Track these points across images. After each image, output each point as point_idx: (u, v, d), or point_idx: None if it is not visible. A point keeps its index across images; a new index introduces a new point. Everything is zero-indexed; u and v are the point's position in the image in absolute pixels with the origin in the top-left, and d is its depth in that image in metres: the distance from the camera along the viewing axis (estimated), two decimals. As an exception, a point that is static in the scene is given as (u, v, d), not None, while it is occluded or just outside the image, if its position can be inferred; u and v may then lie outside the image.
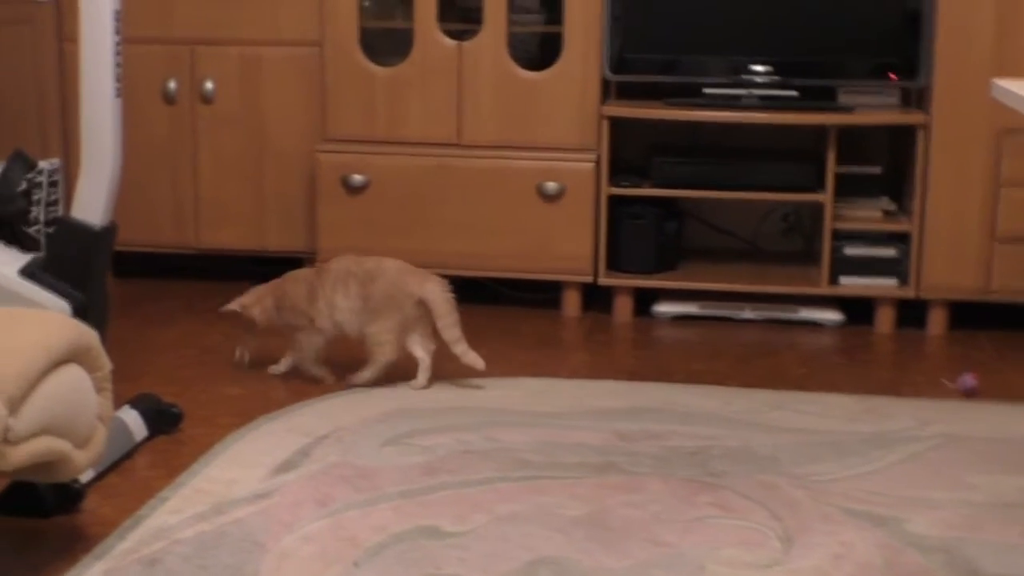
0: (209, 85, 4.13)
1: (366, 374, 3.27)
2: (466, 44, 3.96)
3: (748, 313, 3.95)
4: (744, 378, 3.44)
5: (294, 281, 3.36)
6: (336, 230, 4.01)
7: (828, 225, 3.85)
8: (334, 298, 3.27)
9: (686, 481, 2.72)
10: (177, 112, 4.17)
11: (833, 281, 3.88)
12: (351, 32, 3.98)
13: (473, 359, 3.24)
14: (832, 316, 3.93)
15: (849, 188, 3.90)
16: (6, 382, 2.02)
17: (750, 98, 3.87)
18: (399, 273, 3.27)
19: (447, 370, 3.41)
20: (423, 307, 3.24)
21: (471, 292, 4.18)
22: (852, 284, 3.88)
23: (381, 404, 3.16)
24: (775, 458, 2.84)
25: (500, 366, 3.51)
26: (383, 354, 3.25)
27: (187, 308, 4.03)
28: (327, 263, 3.37)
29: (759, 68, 3.88)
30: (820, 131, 3.90)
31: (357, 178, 3.98)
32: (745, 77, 3.89)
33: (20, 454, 2.06)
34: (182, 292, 4.21)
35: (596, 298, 4.06)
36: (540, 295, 4.09)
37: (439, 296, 3.23)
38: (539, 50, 4.10)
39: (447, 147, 3.98)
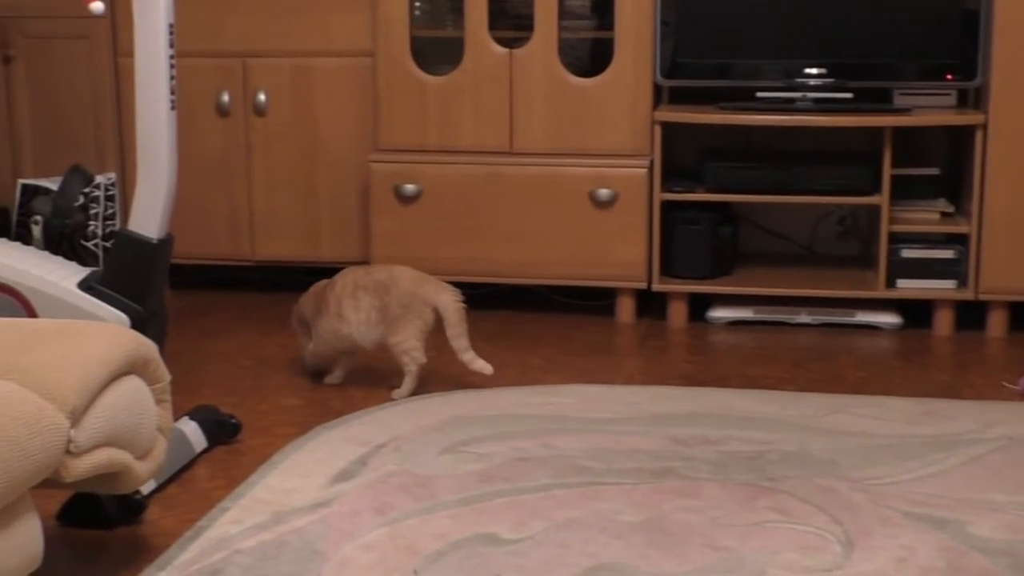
0: (262, 97, 4.17)
1: (404, 387, 3.29)
2: (517, 51, 3.97)
3: (804, 317, 3.94)
4: (801, 382, 3.43)
5: (306, 294, 3.41)
6: (389, 239, 4.03)
7: (885, 228, 3.83)
8: (342, 311, 3.30)
9: (744, 485, 2.71)
10: (231, 124, 4.21)
11: (890, 284, 3.86)
12: (403, 41, 4.01)
13: (481, 365, 3.29)
14: (890, 319, 3.91)
15: (906, 190, 3.88)
16: (68, 395, 2.05)
17: (804, 101, 3.86)
18: (413, 281, 3.29)
19: (505, 377, 3.43)
20: (436, 315, 3.27)
21: (524, 300, 4.19)
22: (910, 287, 3.86)
23: (437, 412, 3.17)
24: (833, 462, 2.83)
25: (555, 373, 3.52)
26: (413, 361, 3.27)
27: (243, 319, 4.07)
28: (336, 276, 3.41)
29: (813, 71, 3.87)
30: (876, 133, 3.88)
31: (410, 187, 4.00)
32: (799, 80, 3.88)
33: (82, 466, 2.09)
34: (238, 303, 4.25)
35: (650, 304, 4.06)
36: (594, 302, 4.10)
37: (452, 306, 3.26)
38: (590, 56, 4.11)
39: (499, 155, 4.00)
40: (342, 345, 3.35)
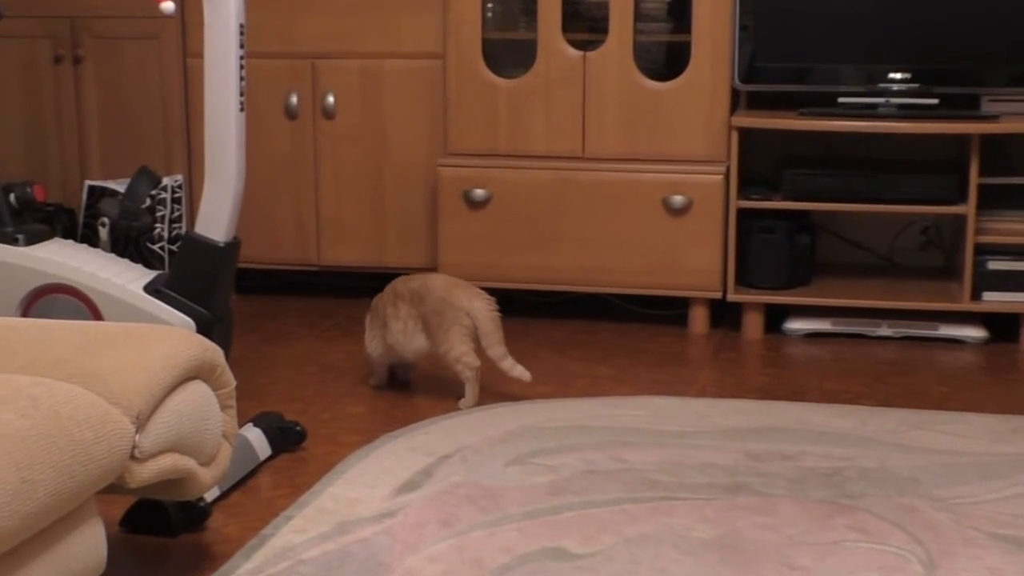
0: (330, 99, 4.20)
1: (468, 396, 3.29)
2: (591, 54, 3.97)
3: (884, 330, 3.90)
4: (881, 397, 3.40)
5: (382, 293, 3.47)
6: (457, 246, 4.04)
7: (971, 238, 3.79)
8: (387, 321, 3.35)
9: (821, 503, 2.69)
10: (299, 127, 4.24)
11: (976, 297, 3.81)
12: (474, 44, 4.02)
13: (520, 372, 3.28)
14: (975, 333, 3.86)
15: (993, 199, 3.83)
16: (133, 398, 2.07)
17: (887, 107, 3.83)
18: (445, 288, 3.30)
19: (574, 388, 3.43)
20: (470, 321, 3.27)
21: (595, 309, 4.19)
22: (996, 300, 3.81)
23: (505, 423, 3.17)
24: (915, 480, 2.80)
25: (626, 384, 3.51)
26: (466, 367, 3.27)
27: (308, 325, 4.10)
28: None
29: (897, 75, 3.84)
30: (962, 140, 3.84)
31: (479, 192, 4.01)
32: (882, 85, 3.84)
33: (147, 471, 2.11)
34: (303, 309, 4.28)
35: (725, 315, 4.03)
36: (667, 312, 4.09)
37: (485, 314, 3.26)
38: (666, 60, 4.10)
39: (571, 160, 4.00)
40: (389, 353, 3.38)
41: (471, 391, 3.29)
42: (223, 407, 2.35)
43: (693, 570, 2.40)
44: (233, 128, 2.84)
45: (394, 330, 3.34)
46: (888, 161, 3.99)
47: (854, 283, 4.01)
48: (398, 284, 3.39)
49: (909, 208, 3.87)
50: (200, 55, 2.91)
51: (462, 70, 4.03)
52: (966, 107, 3.85)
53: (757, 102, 4.00)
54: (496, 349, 3.26)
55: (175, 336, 2.28)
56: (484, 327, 3.26)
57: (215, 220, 2.88)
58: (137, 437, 2.07)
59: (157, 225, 3.85)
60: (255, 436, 2.93)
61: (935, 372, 3.61)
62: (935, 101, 3.81)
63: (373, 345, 3.42)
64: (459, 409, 3.28)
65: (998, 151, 3.88)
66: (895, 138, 3.92)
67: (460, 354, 3.27)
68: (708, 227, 3.90)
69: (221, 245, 2.89)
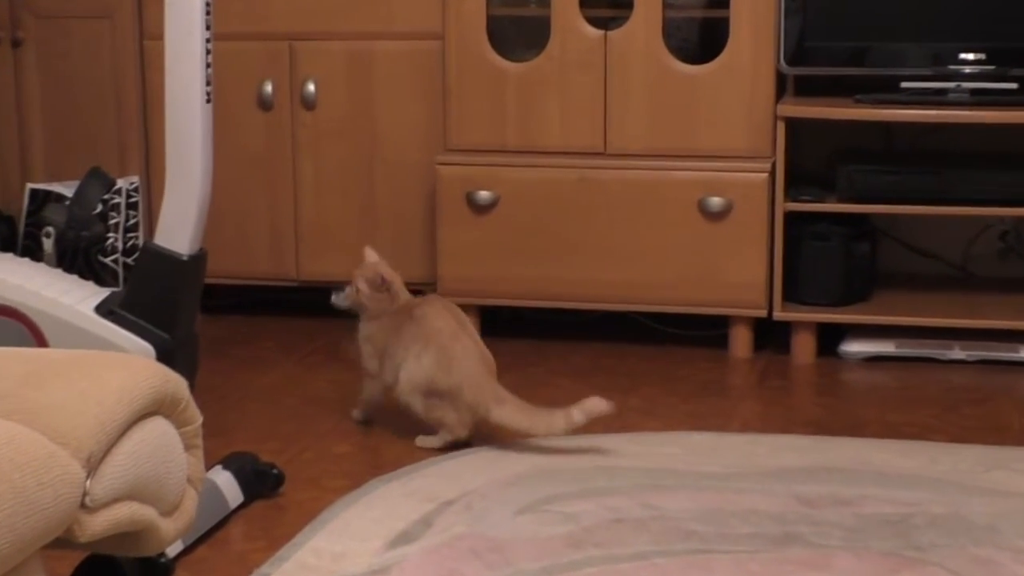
0: (311, 87, 4.21)
1: (432, 437, 3.33)
2: (613, 33, 3.98)
3: (957, 352, 3.90)
4: (953, 431, 3.39)
5: None
6: (459, 256, 4.05)
7: (1056, 245, 3.79)
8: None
9: (884, 555, 2.69)
10: (274, 119, 4.25)
11: (1063, 313, 3.82)
12: (478, 22, 4.03)
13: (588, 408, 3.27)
14: (1062, 356, 3.87)
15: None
16: (84, 438, 2.07)
17: (959, 93, 3.83)
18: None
19: (597, 423, 3.42)
20: None
21: (621, 329, 4.19)
22: (1087, 317, 3.82)
23: (515, 464, 3.17)
24: (993, 528, 2.80)
25: (657, 418, 3.51)
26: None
27: (287, 350, 4.10)
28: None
29: (969, 56, 3.84)
30: (1045, 131, 3.85)
31: (484, 195, 4.02)
32: (952, 68, 3.85)
33: (99, 523, 2.11)
34: (281, 330, 4.28)
35: (771, 335, 4.03)
36: (704, 332, 4.09)
37: None
38: (700, 39, 4.11)
39: (591, 156, 4.00)
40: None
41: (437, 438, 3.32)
42: (187, 447, 2.35)
43: (736, 635, 2.40)
44: (198, 122, 2.85)
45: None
46: (960, 155, 3.99)
47: (921, 298, 4.01)
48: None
49: (985, 210, 3.87)
50: (159, 37, 2.91)
51: (464, 52, 4.04)
52: (1051, 92, 3.85)
53: (807, 88, 4.01)
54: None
55: (132, 365, 2.28)
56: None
57: (178, 229, 2.89)
58: (88, 483, 2.07)
59: (110, 235, 3.86)
60: (225, 480, 2.93)
61: (1016, 401, 3.61)
62: (1014, 86, 3.81)
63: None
64: (466, 446, 3.27)
65: (1089, 143, 3.89)
66: (968, 129, 3.91)
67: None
68: (751, 233, 3.90)
69: (185, 258, 2.89)
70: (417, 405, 3.29)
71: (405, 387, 3.30)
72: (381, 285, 3.35)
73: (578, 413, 3.18)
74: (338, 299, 3.41)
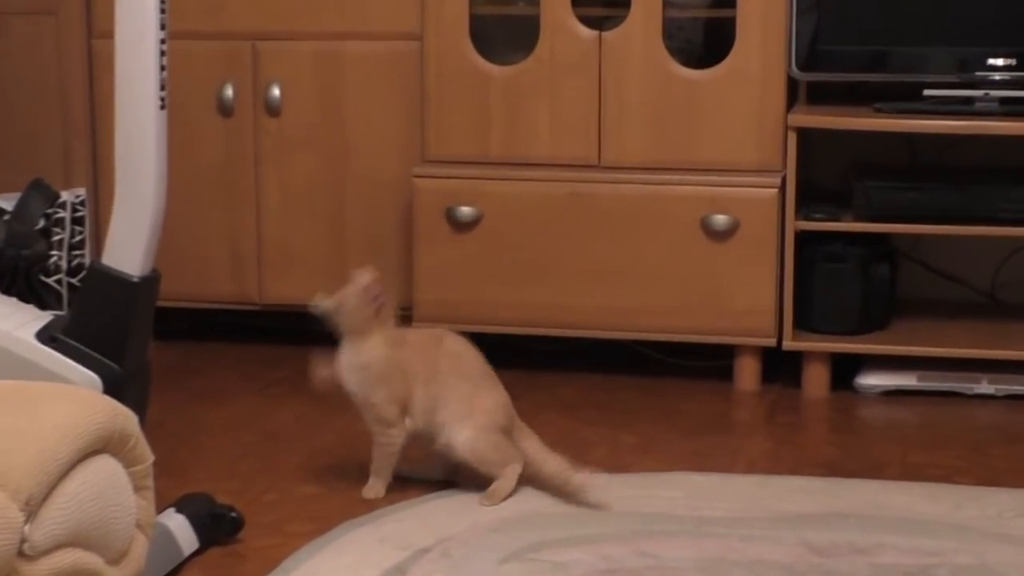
0: (275, 92, 4.21)
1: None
2: (609, 34, 3.98)
3: (985, 386, 3.91)
4: (980, 473, 3.40)
5: None
6: (438, 278, 4.04)
7: (1093, 269, 3.80)
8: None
9: (905, 612, 2.69)
10: (235, 127, 4.25)
11: (1101, 344, 3.83)
12: (460, 21, 4.03)
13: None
14: (1100, 391, 3.87)
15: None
16: (22, 479, 2.06)
17: (987, 102, 3.84)
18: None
19: (589, 461, 3.41)
20: None
21: (616, 359, 4.19)
22: None
23: (498, 507, 3.17)
24: (1025, 582, 2.80)
25: (655, 457, 3.51)
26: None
27: (248, 380, 4.09)
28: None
29: (999, 62, 3.85)
30: (1081, 144, 3.86)
31: (466, 211, 4.02)
32: (980, 74, 3.86)
33: (40, 572, 2.10)
34: (241, 359, 4.28)
35: (781, 367, 4.04)
36: (706, 363, 4.09)
37: None
38: (704, 41, 4.12)
39: (583, 169, 4.01)
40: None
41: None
42: (137, 488, 2.34)
43: None
44: (151, 129, 2.84)
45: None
46: (988, 170, 4.00)
47: (946, 326, 4.02)
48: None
49: (1016, 230, 3.87)
50: (109, 35, 2.91)
51: (445, 54, 4.05)
52: (1087, 102, 3.87)
53: (820, 96, 4.02)
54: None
55: (76, 398, 2.27)
56: None
57: (128, 247, 2.88)
58: (27, 529, 2.06)
59: (53, 253, 3.85)
60: (178, 525, 2.92)
61: (1050, 441, 3.62)
62: (1048, 94, 3.83)
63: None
64: (445, 488, 3.27)
65: None
66: (997, 141, 3.92)
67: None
68: (759, 255, 3.91)
69: (135, 280, 2.89)
70: (488, 449, 3.21)
71: (482, 428, 3.20)
72: (375, 299, 3.23)
73: (579, 479, 3.20)
74: (321, 303, 3.28)
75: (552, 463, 3.22)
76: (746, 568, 2.87)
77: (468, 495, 3.23)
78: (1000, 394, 3.90)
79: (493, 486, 3.21)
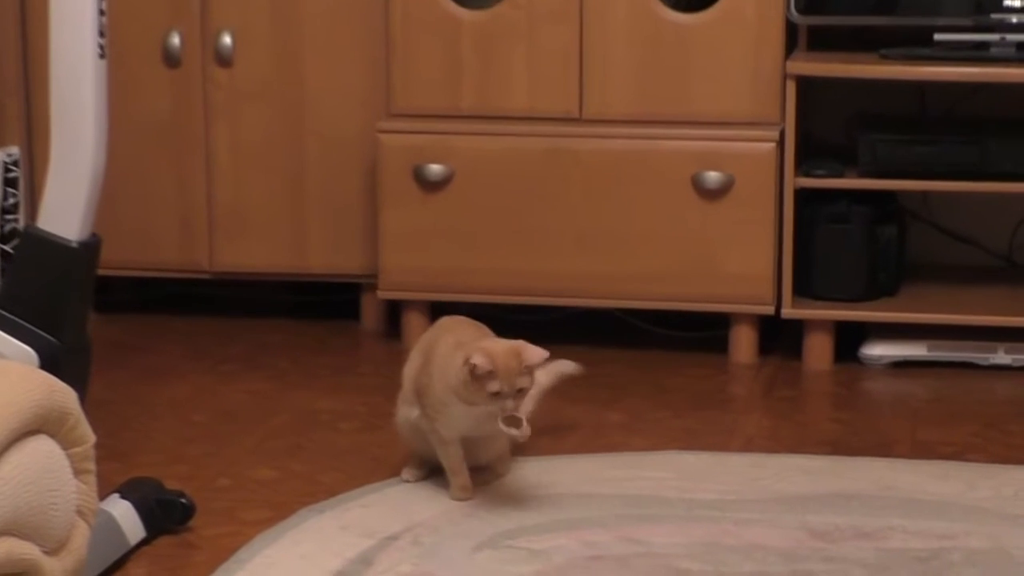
0: (226, 40, 4.20)
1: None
2: (590, -24, 3.99)
3: (1001, 357, 3.92)
4: (996, 450, 3.41)
5: None
6: (406, 243, 4.04)
7: (1118, 228, 3.82)
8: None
9: (913, 600, 2.71)
10: (182, 78, 4.24)
11: None
12: (426, -38, 4.04)
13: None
14: (1126, 360, 3.89)
15: None
16: (-49, 461, 2.07)
17: (1003, 47, 3.84)
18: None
19: (571, 441, 3.44)
20: None
21: (600, 330, 4.19)
22: None
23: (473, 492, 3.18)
24: (1043, 567, 2.82)
25: (643, 435, 3.52)
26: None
27: (198, 356, 4.09)
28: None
29: (1015, 3, 3.85)
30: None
31: (435, 169, 4.02)
32: (996, 17, 3.86)
33: (-30, 562, 2.11)
34: (191, 332, 4.28)
35: (780, 337, 4.05)
36: (699, 333, 4.10)
37: None
38: (695, -18, 4.12)
39: (564, 124, 4.01)
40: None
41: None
42: (77, 472, 2.35)
43: None
44: (90, 82, 2.83)
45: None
46: (1005, 122, 4.00)
47: (959, 292, 4.03)
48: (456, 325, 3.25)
49: (1035, 188, 3.89)
50: (43, -20, 2.91)
51: (411, -2, 4.05)
52: (1112, 46, 3.88)
53: (822, 41, 4.02)
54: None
55: (9, 373, 2.28)
56: None
57: (65, 210, 2.87)
58: (-44, 515, 2.07)
59: (-16, 218, 3.85)
60: (123, 512, 2.92)
61: (1072, 415, 3.64)
62: (1069, 38, 3.84)
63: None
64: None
65: None
66: (1014, 90, 3.93)
67: None
68: (755, 215, 3.92)
69: (74, 245, 2.88)
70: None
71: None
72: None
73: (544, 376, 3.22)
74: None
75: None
76: (741, 554, 2.88)
77: (441, 478, 3.24)
78: (1017, 364, 3.92)
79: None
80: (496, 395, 2.95)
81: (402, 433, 3.23)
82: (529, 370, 2.99)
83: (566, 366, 3.43)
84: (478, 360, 2.93)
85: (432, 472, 3.22)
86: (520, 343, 3.01)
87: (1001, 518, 3.03)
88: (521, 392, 2.98)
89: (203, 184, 4.27)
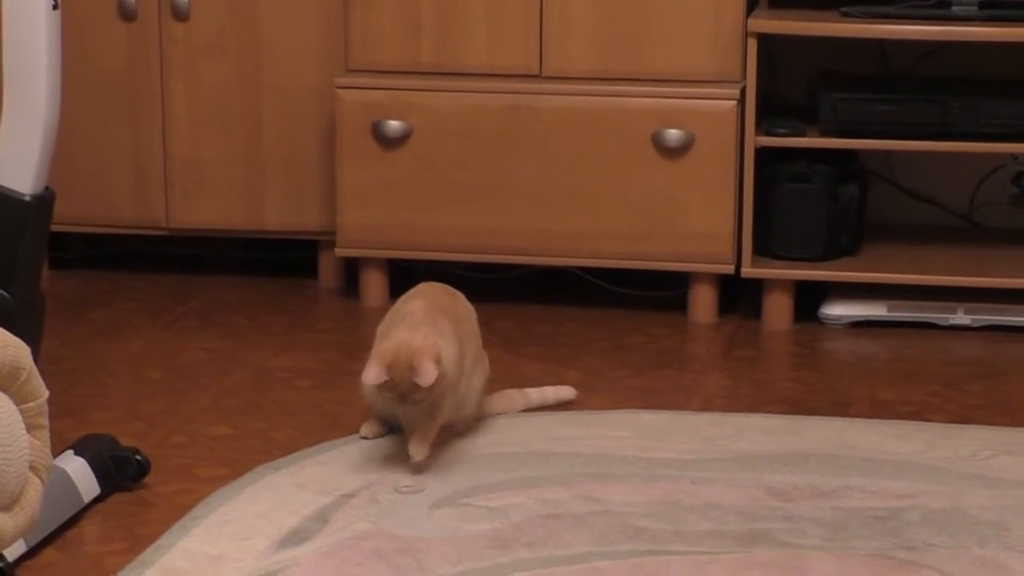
0: (183, -7, 4.19)
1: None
2: (550, -70, 3.98)
3: (961, 317, 3.93)
4: (954, 410, 3.43)
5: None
6: (363, 200, 4.04)
7: (1079, 189, 3.83)
8: None
9: (870, 557, 2.71)
10: (138, 31, 4.22)
11: (1086, 270, 3.87)
12: (385, -85, 4.02)
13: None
14: (1085, 321, 3.91)
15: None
16: (-98, 415, 2.07)
17: (965, 6, 3.84)
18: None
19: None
20: None
21: (559, 288, 4.20)
22: (1114, 275, 3.86)
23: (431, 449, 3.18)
24: (1000, 524, 2.83)
25: (602, 394, 3.52)
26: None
27: (153, 312, 4.08)
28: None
29: (978, -39, 3.87)
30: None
31: (394, 125, 4.01)
32: (957, -26, 3.87)
33: (-78, 517, 2.10)
34: (146, 289, 4.26)
35: (739, 296, 4.06)
36: (658, 292, 4.10)
37: None
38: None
39: (523, 80, 4.00)
40: None
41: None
42: (30, 428, 2.34)
43: (692, 652, 2.43)
44: (42, 33, 2.82)
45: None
46: (967, 81, 4.01)
47: (919, 252, 4.04)
48: (432, 291, 3.31)
49: (996, 146, 3.90)
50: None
51: (369, -48, 4.04)
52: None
53: (784, -2, 4.03)
54: None
55: (-39, 327, 2.27)
56: None
57: (18, 163, 2.86)
58: (-93, 470, 2.06)
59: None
60: (77, 468, 2.92)
61: (1030, 375, 3.66)
62: (1031, -3, 3.84)
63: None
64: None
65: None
66: (976, 49, 3.94)
67: None
68: (716, 174, 3.92)
69: (27, 198, 2.87)
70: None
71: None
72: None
73: (536, 394, 3.28)
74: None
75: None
76: (700, 513, 2.89)
77: (399, 436, 3.24)
78: (977, 325, 3.93)
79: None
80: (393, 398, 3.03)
81: (367, 393, 3.22)
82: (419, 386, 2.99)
83: (565, 392, 3.44)
84: (365, 375, 3.00)
85: (391, 430, 3.22)
86: (423, 355, 2.98)
87: (959, 477, 3.04)
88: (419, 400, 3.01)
89: (159, 139, 4.25)
